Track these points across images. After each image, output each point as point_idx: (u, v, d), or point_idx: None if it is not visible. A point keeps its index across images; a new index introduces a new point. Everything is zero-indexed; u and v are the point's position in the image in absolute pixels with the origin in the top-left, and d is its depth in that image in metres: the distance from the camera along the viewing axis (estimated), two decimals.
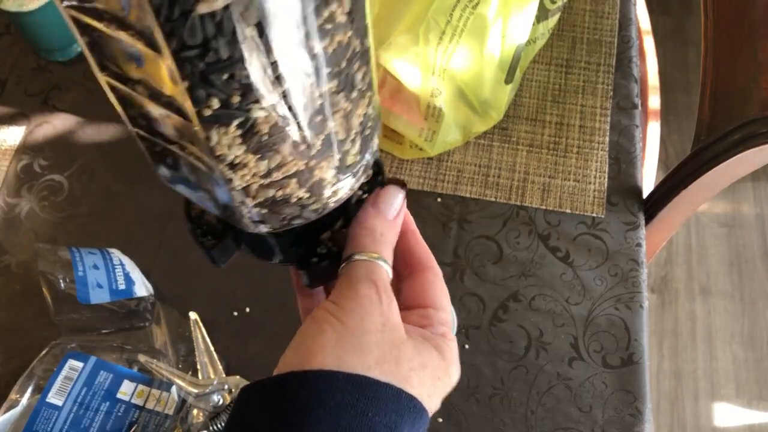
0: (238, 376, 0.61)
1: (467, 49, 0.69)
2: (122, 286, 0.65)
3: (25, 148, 0.82)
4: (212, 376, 0.61)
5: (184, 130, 0.27)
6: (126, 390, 0.61)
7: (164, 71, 0.24)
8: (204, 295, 0.72)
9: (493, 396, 0.67)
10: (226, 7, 0.22)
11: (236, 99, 0.25)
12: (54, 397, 0.59)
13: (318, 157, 0.29)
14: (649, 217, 0.77)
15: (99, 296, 0.63)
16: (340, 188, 0.32)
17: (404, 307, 0.36)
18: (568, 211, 0.75)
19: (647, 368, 0.68)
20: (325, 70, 0.26)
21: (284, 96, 0.26)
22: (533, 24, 0.72)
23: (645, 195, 0.77)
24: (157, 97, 0.26)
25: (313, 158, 0.29)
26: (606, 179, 0.76)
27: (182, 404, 0.62)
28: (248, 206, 0.30)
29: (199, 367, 0.61)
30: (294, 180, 0.30)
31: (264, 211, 0.31)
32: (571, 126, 0.80)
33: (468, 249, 0.73)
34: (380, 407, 0.30)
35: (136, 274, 0.68)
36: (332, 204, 0.33)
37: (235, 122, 0.26)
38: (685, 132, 1.70)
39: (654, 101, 1.02)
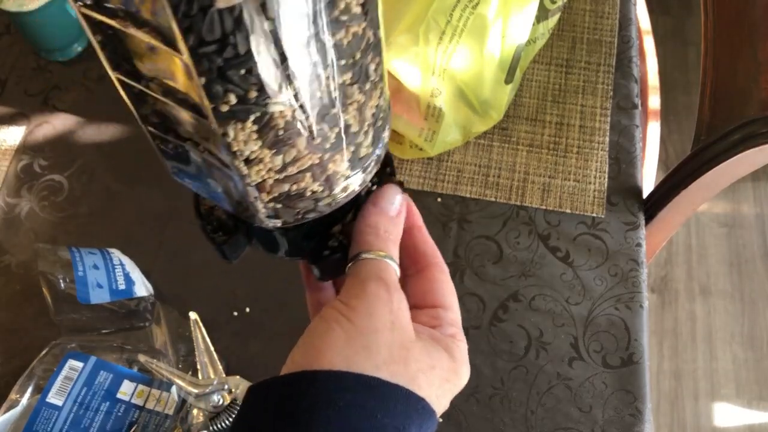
0: (238, 376, 0.61)
1: (467, 49, 0.69)
2: (122, 286, 0.65)
3: (25, 148, 0.82)
4: (212, 376, 0.61)
5: (200, 126, 0.27)
6: (126, 390, 0.61)
7: (180, 68, 0.24)
8: (204, 295, 0.72)
9: (493, 396, 0.67)
10: (245, 1, 0.22)
11: (253, 94, 0.25)
12: (54, 397, 0.59)
13: (332, 150, 0.29)
14: (649, 217, 0.77)
15: (99, 296, 0.63)
16: (353, 181, 0.32)
17: (412, 305, 0.35)
18: (568, 211, 0.75)
19: (647, 368, 0.68)
20: (340, 62, 0.26)
21: (301, 89, 0.26)
22: (533, 24, 0.72)
23: (645, 195, 0.77)
24: (171, 94, 0.26)
25: (327, 152, 0.29)
26: (606, 179, 0.76)
27: (182, 404, 0.62)
28: (263, 201, 0.30)
29: (199, 367, 0.61)
30: (308, 174, 0.30)
31: (278, 205, 0.31)
32: (571, 126, 0.80)
33: (468, 249, 0.73)
34: (389, 408, 0.30)
35: (136, 274, 0.68)
36: (345, 197, 0.33)
37: (252, 117, 0.26)
38: (685, 132, 1.70)
39: (654, 101, 1.02)
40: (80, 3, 0.24)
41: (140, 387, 0.62)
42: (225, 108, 0.25)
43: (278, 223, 0.32)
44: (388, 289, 0.33)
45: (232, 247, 0.36)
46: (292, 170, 0.29)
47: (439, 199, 0.76)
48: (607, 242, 0.73)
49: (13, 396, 0.61)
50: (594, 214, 0.74)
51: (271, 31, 0.23)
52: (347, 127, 0.29)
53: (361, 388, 0.30)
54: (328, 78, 0.26)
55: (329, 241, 0.36)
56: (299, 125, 0.27)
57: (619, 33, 0.84)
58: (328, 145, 0.29)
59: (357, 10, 0.26)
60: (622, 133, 0.79)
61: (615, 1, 0.86)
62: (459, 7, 0.68)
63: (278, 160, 0.28)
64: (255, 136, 0.26)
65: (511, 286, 0.71)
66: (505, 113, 0.79)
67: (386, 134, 0.34)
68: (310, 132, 0.28)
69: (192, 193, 0.36)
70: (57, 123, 0.84)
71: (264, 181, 0.29)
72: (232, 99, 0.25)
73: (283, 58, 0.24)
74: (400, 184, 0.37)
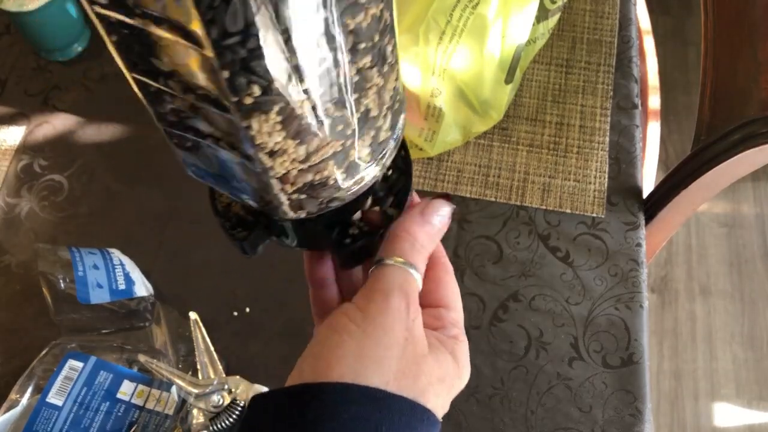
0: (238, 376, 0.61)
1: (467, 49, 0.69)
2: (122, 286, 0.65)
3: (25, 148, 0.82)
4: (212, 376, 0.61)
5: (222, 121, 0.26)
6: (126, 390, 0.61)
7: (201, 63, 0.24)
8: (204, 295, 0.72)
9: (493, 396, 0.67)
10: None
11: (278, 84, 0.24)
12: (54, 397, 0.59)
13: (353, 136, 0.29)
14: (649, 217, 0.77)
15: (99, 296, 0.63)
16: (373, 166, 0.32)
17: None
18: (568, 211, 0.75)
19: (647, 368, 0.68)
20: (360, 46, 0.26)
21: (324, 75, 0.26)
22: (533, 24, 0.72)
23: (645, 195, 0.77)
24: (191, 90, 0.26)
25: (349, 138, 0.29)
26: (606, 179, 0.76)
27: (182, 404, 0.62)
28: (286, 193, 0.30)
29: (199, 367, 0.61)
30: (331, 162, 0.29)
31: (302, 196, 0.30)
32: (571, 126, 0.80)
33: (468, 249, 0.73)
34: (393, 421, 0.30)
35: (136, 274, 0.68)
36: (367, 182, 0.32)
37: (276, 108, 0.25)
38: (685, 132, 1.70)
39: (654, 101, 1.02)
40: (95, 3, 0.23)
41: (140, 387, 0.62)
42: (249, 101, 0.24)
43: (302, 214, 0.32)
44: (408, 303, 0.33)
45: (253, 242, 0.36)
46: (315, 159, 0.29)
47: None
48: (607, 242, 0.73)
49: (13, 396, 0.61)
50: (594, 214, 0.74)
51: (294, 17, 0.23)
52: (367, 111, 0.29)
53: (367, 400, 0.30)
54: (350, 62, 0.26)
55: (350, 229, 0.36)
56: (322, 113, 0.27)
57: (619, 33, 0.84)
58: (349, 132, 0.29)
59: None
60: (622, 133, 0.79)
61: (615, 1, 0.86)
62: (459, 7, 0.68)
63: (302, 150, 0.28)
64: (279, 127, 0.26)
65: (511, 286, 0.71)
66: (505, 113, 0.79)
67: (402, 117, 0.33)
68: (333, 119, 0.28)
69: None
70: (57, 123, 0.84)
71: (288, 172, 0.29)
72: (256, 90, 0.24)
73: (307, 45, 0.24)
74: (448, 197, 0.37)
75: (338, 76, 0.26)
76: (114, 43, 0.25)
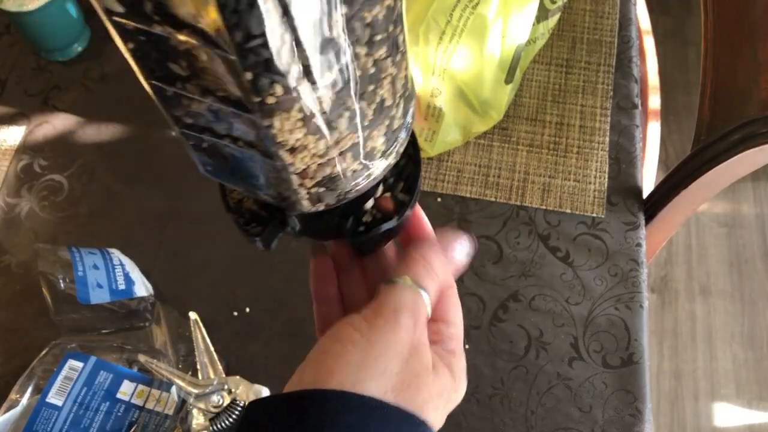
0: (238, 376, 0.61)
1: (467, 49, 0.69)
2: (122, 286, 0.65)
3: (25, 148, 0.82)
4: (212, 376, 0.61)
5: (241, 121, 0.26)
6: (126, 390, 0.61)
7: (222, 65, 0.24)
8: (204, 295, 0.72)
9: (493, 396, 0.67)
10: None
11: (301, 83, 0.24)
12: (54, 397, 0.59)
13: (370, 126, 0.30)
14: (649, 217, 0.77)
15: (99, 296, 0.63)
16: (389, 154, 0.32)
17: None
18: (568, 211, 0.75)
19: (647, 368, 0.68)
20: (376, 38, 0.26)
21: (344, 70, 0.26)
22: (533, 24, 0.72)
23: (645, 195, 0.77)
24: (210, 92, 0.26)
25: (365, 129, 0.29)
26: (606, 179, 0.76)
27: (182, 404, 0.62)
28: (306, 188, 0.30)
29: (199, 367, 0.61)
30: (349, 154, 0.30)
31: (321, 189, 0.31)
32: (571, 126, 0.80)
33: None
34: (388, 430, 0.30)
35: (136, 274, 0.68)
36: (383, 170, 0.33)
37: (297, 106, 0.25)
38: (685, 132, 1.70)
39: (654, 101, 1.02)
40: (112, 13, 0.23)
41: (140, 387, 0.62)
42: (272, 100, 0.24)
43: (321, 206, 0.32)
44: (416, 321, 0.33)
45: (268, 237, 0.36)
46: (334, 153, 0.29)
47: (439, 199, 0.76)
48: (607, 242, 0.73)
49: (13, 396, 0.61)
50: (594, 214, 0.74)
51: (318, 17, 0.23)
52: (382, 101, 0.29)
53: (364, 409, 0.30)
54: (367, 55, 0.26)
55: (363, 218, 0.36)
56: (341, 107, 0.27)
57: (619, 33, 0.84)
58: (366, 123, 0.29)
59: None
60: (622, 133, 0.79)
61: (615, 1, 0.86)
62: (459, 7, 0.68)
63: (321, 145, 0.28)
64: (300, 124, 0.26)
65: (511, 286, 0.71)
66: (505, 113, 0.79)
67: (413, 103, 0.34)
68: (352, 112, 0.28)
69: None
70: (57, 123, 0.84)
71: (307, 167, 0.29)
72: (279, 90, 0.24)
73: (327, 42, 0.24)
74: (472, 236, 0.38)
75: (358, 69, 0.26)
76: (131, 50, 0.25)
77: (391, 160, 0.33)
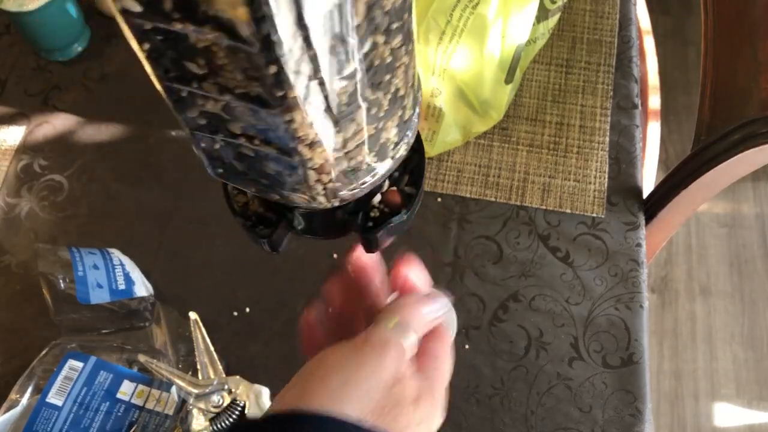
0: (238, 376, 0.61)
1: (467, 49, 0.69)
2: (122, 286, 0.65)
3: (25, 148, 0.82)
4: (212, 376, 0.61)
5: (259, 117, 0.26)
6: (126, 390, 0.61)
7: (244, 61, 0.23)
8: (204, 295, 0.72)
9: (493, 396, 0.67)
10: None
11: (324, 74, 0.24)
12: (54, 397, 0.59)
13: (385, 117, 0.30)
14: (649, 217, 0.77)
15: (99, 296, 0.63)
16: (401, 146, 0.33)
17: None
18: (568, 211, 0.75)
19: (647, 368, 0.68)
20: (393, 26, 0.26)
21: (364, 59, 0.26)
22: (533, 24, 0.72)
23: (645, 195, 0.77)
24: (229, 90, 0.25)
25: (381, 120, 0.29)
26: (606, 179, 0.76)
27: (182, 404, 0.62)
28: (323, 183, 0.30)
29: (199, 367, 0.61)
30: (365, 147, 0.30)
31: (338, 184, 0.31)
32: (571, 126, 0.80)
33: (468, 249, 0.73)
34: None
35: (136, 274, 0.68)
36: (395, 162, 0.33)
37: (319, 98, 0.25)
38: (685, 132, 1.70)
39: (654, 101, 1.02)
40: (128, 13, 0.23)
41: (140, 387, 0.62)
42: (294, 94, 0.24)
43: (336, 202, 0.32)
44: (402, 356, 0.35)
45: (277, 239, 0.36)
46: (351, 146, 0.29)
47: (439, 199, 0.76)
48: (607, 242, 0.73)
49: (13, 396, 0.61)
50: (594, 214, 0.74)
51: (339, 4, 0.23)
52: (396, 91, 0.29)
53: (344, 431, 0.31)
54: (385, 43, 0.26)
55: (371, 213, 0.37)
56: (359, 98, 0.27)
57: (619, 33, 0.84)
58: (382, 114, 0.29)
59: None
60: (622, 133, 0.79)
61: (615, 1, 0.86)
62: (459, 7, 0.68)
63: (339, 138, 0.28)
64: (321, 117, 0.26)
65: (511, 286, 0.71)
66: (505, 113, 0.79)
67: (420, 93, 0.34)
68: (370, 103, 0.28)
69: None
70: (57, 123, 0.84)
71: (325, 162, 0.29)
72: (303, 82, 0.24)
73: (347, 32, 0.24)
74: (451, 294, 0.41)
75: (376, 59, 0.26)
76: (146, 51, 0.25)
77: (403, 151, 0.33)
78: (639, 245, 0.73)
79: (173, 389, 0.63)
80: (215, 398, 0.59)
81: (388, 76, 0.28)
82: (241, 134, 0.28)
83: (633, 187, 0.76)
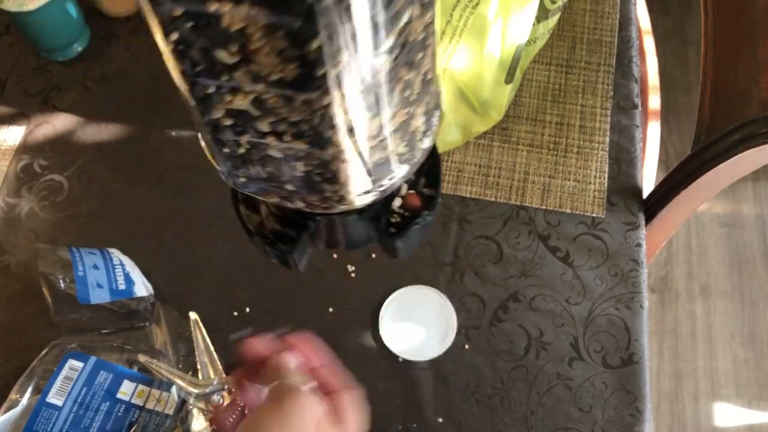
0: None
1: (467, 49, 0.69)
2: (122, 286, 0.65)
3: (25, 148, 0.82)
4: (212, 376, 0.61)
5: (293, 106, 0.25)
6: (126, 390, 0.61)
7: (283, 40, 0.22)
8: (204, 295, 0.72)
9: (493, 396, 0.67)
10: None
11: (365, 51, 0.24)
12: (54, 397, 0.59)
13: (416, 102, 0.29)
14: (649, 217, 0.77)
15: (99, 296, 0.63)
16: (427, 136, 0.32)
17: None
18: (568, 211, 0.75)
19: (647, 368, 0.68)
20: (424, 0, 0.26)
21: (400, 35, 0.25)
22: (533, 24, 0.72)
23: (645, 195, 0.77)
24: (262, 78, 0.24)
25: (412, 104, 0.29)
26: (606, 179, 0.76)
27: (182, 404, 0.62)
28: (355, 178, 0.29)
29: (199, 367, 0.61)
30: (398, 134, 0.29)
31: (370, 179, 0.30)
32: (571, 126, 0.80)
33: (468, 249, 0.73)
34: None
35: (136, 274, 0.68)
36: (422, 154, 0.33)
37: (359, 77, 0.24)
38: (685, 132, 1.70)
39: (654, 101, 1.02)
40: (158, 4, 0.22)
41: (140, 387, 0.62)
42: (335, 72, 0.23)
43: (368, 199, 0.31)
44: (316, 399, 0.40)
45: (299, 254, 0.36)
46: (384, 133, 0.28)
47: (439, 199, 0.76)
48: (607, 242, 0.73)
49: (13, 396, 0.61)
50: (594, 214, 0.74)
51: None
52: (426, 73, 0.29)
53: None
54: (419, 17, 0.26)
55: (391, 218, 0.37)
56: (395, 78, 0.26)
57: (619, 33, 0.84)
58: (414, 97, 0.28)
59: None
60: (622, 133, 0.79)
61: (615, 1, 0.86)
62: (459, 7, 0.68)
63: (375, 124, 0.27)
64: (358, 99, 0.25)
65: (511, 286, 0.71)
66: (505, 113, 0.79)
67: (440, 86, 0.33)
68: (404, 84, 0.27)
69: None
70: (57, 123, 0.84)
71: (360, 153, 0.28)
72: (344, 58, 0.23)
73: (388, 2, 0.23)
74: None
75: (412, 34, 0.26)
76: (173, 42, 0.24)
77: (429, 142, 0.33)
78: (639, 245, 0.73)
79: (173, 389, 0.63)
80: (215, 398, 0.59)
81: (420, 55, 0.27)
82: (269, 132, 0.27)
83: (633, 187, 0.76)
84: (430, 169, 0.37)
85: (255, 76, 0.24)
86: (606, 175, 0.76)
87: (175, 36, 0.24)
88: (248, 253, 0.75)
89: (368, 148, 0.28)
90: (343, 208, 0.31)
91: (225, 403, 0.59)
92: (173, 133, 0.82)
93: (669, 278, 1.57)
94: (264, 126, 0.27)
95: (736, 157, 0.67)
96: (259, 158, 0.29)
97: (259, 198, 0.33)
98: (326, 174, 0.29)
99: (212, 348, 0.62)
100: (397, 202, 0.37)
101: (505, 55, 0.71)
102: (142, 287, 0.68)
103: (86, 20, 0.87)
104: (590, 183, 0.76)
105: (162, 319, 0.68)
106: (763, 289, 1.54)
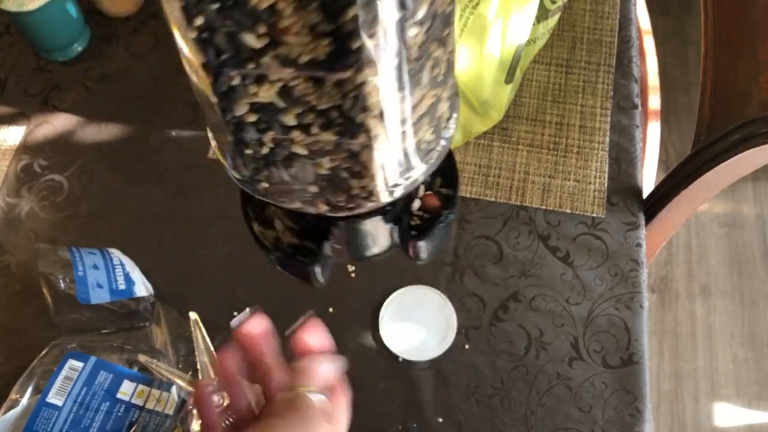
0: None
1: (467, 49, 0.69)
2: (122, 286, 0.65)
3: (25, 148, 0.82)
4: (212, 376, 0.61)
5: (324, 90, 0.24)
6: (126, 390, 0.61)
7: (317, 12, 0.22)
8: (204, 295, 0.72)
9: (493, 396, 0.67)
10: None
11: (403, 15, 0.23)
12: (54, 397, 0.59)
13: (443, 83, 0.29)
14: (649, 217, 0.77)
15: (99, 296, 0.63)
16: (450, 123, 0.32)
17: None
18: (568, 211, 0.75)
19: (647, 368, 0.68)
20: None
21: (430, 6, 0.24)
22: (533, 24, 0.72)
23: (645, 195, 0.77)
24: (292, 62, 0.23)
25: (437, 87, 0.28)
26: (606, 179, 0.76)
27: (182, 404, 0.62)
28: (385, 169, 0.29)
29: (199, 367, 0.61)
30: (426, 120, 0.29)
31: (399, 170, 0.29)
32: (571, 126, 0.80)
33: (468, 249, 0.73)
34: None
35: (136, 274, 0.68)
36: (445, 145, 0.32)
37: (393, 51, 0.24)
38: (685, 132, 1.70)
39: (654, 101, 1.02)
40: None
41: (140, 387, 0.62)
42: (372, 43, 0.23)
43: (396, 193, 0.31)
44: (329, 416, 0.39)
45: (323, 267, 0.35)
46: (414, 117, 0.28)
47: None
48: (607, 242, 0.73)
49: (13, 396, 0.61)
50: (594, 214, 0.74)
51: None
52: (451, 52, 0.28)
53: None
54: None
55: (411, 221, 0.36)
56: (426, 54, 0.26)
57: (619, 33, 0.84)
58: (441, 78, 0.28)
59: None
60: (622, 133, 0.79)
61: (615, 1, 0.86)
62: (459, 7, 0.68)
63: (407, 106, 0.27)
64: (392, 77, 0.25)
65: (511, 286, 0.71)
66: (505, 113, 0.79)
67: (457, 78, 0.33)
68: (434, 61, 0.26)
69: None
70: (57, 123, 0.84)
71: (390, 140, 0.27)
72: (380, 30, 0.23)
73: None
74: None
75: (438, 6, 0.25)
76: (198, 28, 0.23)
77: (451, 131, 0.32)
78: (639, 245, 0.73)
79: (173, 389, 0.63)
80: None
81: (446, 31, 0.27)
82: (295, 126, 0.26)
83: (633, 187, 0.76)
84: (445, 168, 0.37)
85: (284, 60, 0.23)
86: (606, 175, 0.76)
87: (199, 21, 0.23)
88: (248, 253, 0.75)
89: (399, 134, 0.28)
90: (369, 206, 0.31)
91: (225, 403, 0.59)
92: (173, 133, 0.82)
93: (669, 278, 1.57)
94: (290, 119, 0.26)
95: (736, 157, 0.67)
96: (283, 158, 0.28)
97: (282, 205, 0.31)
98: (354, 167, 0.28)
99: (212, 348, 0.62)
100: (415, 204, 0.36)
101: (505, 55, 0.71)
102: (142, 287, 0.68)
103: (86, 20, 0.87)
104: (590, 183, 0.76)
105: (162, 319, 0.68)
106: (763, 289, 1.54)
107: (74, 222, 0.77)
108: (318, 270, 0.35)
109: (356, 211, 0.31)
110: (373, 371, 0.68)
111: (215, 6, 0.22)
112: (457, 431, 0.66)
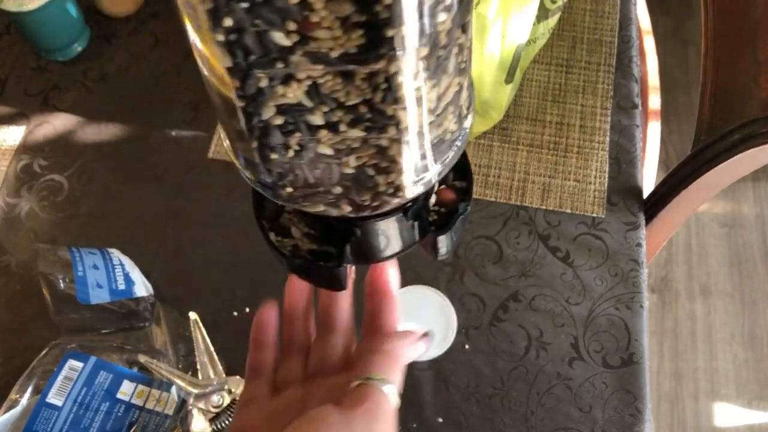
0: (237, 376, 0.61)
1: None
2: (122, 286, 0.65)
3: (25, 148, 0.82)
4: (212, 376, 0.61)
5: (353, 85, 0.24)
6: (126, 390, 0.61)
7: (347, 6, 0.21)
8: (204, 295, 0.72)
9: (493, 396, 0.67)
10: None
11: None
12: (54, 397, 0.59)
13: (464, 72, 0.28)
14: (649, 217, 0.77)
15: (99, 296, 0.63)
16: (470, 113, 0.31)
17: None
18: (568, 211, 0.75)
19: (647, 368, 0.68)
20: None
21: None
22: (533, 24, 0.72)
23: (645, 195, 0.77)
24: (322, 58, 0.23)
25: (459, 75, 0.28)
26: (606, 179, 0.76)
27: (182, 404, 0.62)
28: (414, 162, 0.28)
29: (199, 367, 0.61)
30: (450, 109, 0.28)
31: (424, 163, 0.29)
32: (571, 126, 0.80)
33: (468, 249, 0.73)
34: None
35: (136, 274, 0.68)
36: (464, 135, 0.32)
37: (424, 39, 0.24)
38: (685, 132, 1.70)
39: (654, 101, 1.02)
40: None
41: (140, 387, 0.62)
42: (403, 32, 0.22)
43: (421, 188, 0.30)
44: (392, 416, 0.35)
45: (342, 272, 0.35)
46: (440, 107, 0.27)
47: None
48: (607, 242, 0.73)
49: (13, 396, 0.61)
50: (594, 214, 0.74)
51: None
52: (471, 39, 0.28)
53: None
54: None
55: (429, 217, 0.36)
56: (452, 41, 0.25)
57: (619, 33, 0.84)
58: (463, 65, 0.28)
59: None
60: (622, 133, 0.79)
61: (615, 1, 0.86)
62: None
63: (434, 95, 0.26)
64: (422, 65, 0.24)
65: (511, 286, 0.71)
66: (505, 113, 0.79)
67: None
68: (458, 47, 0.26)
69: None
70: (57, 123, 0.84)
71: (419, 131, 0.27)
72: (411, 15, 0.22)
73: None
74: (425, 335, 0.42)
75: None
76: (226, 29, 0.23)
77: (470, 121, 0.32)
78: (639, 245, 0.73)
79: (173, 389, 0.63)
80: (215, 398, 0.59)
81: (468, 17, 0.27)
82: (322, 126, 0.26)
83: (633, 187, 0.76)
84: (457, 161, 0.37)
85: (314, 56, 0.23)
86: (606, 175, 0.76)
87: (228, 21, 0.22)
88: (248, 253, 0.75)
89: (428, 125, 0.27)
90: (395, 202, 0.30)
91: (225, 403, 0.59)
92: (173, 133, 0.82)
93: (669, 278, 1.57)
94: (317, 118, 0.26)
95: (736, 157, 0.67)
96: (309, 160, 0.28)
97: (305, 209, 0.31)
98: (382, 163, 0.28)
99: (212, 348, 0.62)
100: (432, 200, 0.36)
101: (505, 55, 0.71)
102: (142, 287, 0.68)
103: (86, 20, 0.87)
104: (590, 183, 0.76)
105: (162, 319, 0.68)
106: (763, 289, 1.54)
107: (74, 222, 0.77)
108: (342, 274, 0.35)
109: (379, 210, 0.31)
110: None
111: (245, 5, 0.22)
112: (457, 431, 0.66)
